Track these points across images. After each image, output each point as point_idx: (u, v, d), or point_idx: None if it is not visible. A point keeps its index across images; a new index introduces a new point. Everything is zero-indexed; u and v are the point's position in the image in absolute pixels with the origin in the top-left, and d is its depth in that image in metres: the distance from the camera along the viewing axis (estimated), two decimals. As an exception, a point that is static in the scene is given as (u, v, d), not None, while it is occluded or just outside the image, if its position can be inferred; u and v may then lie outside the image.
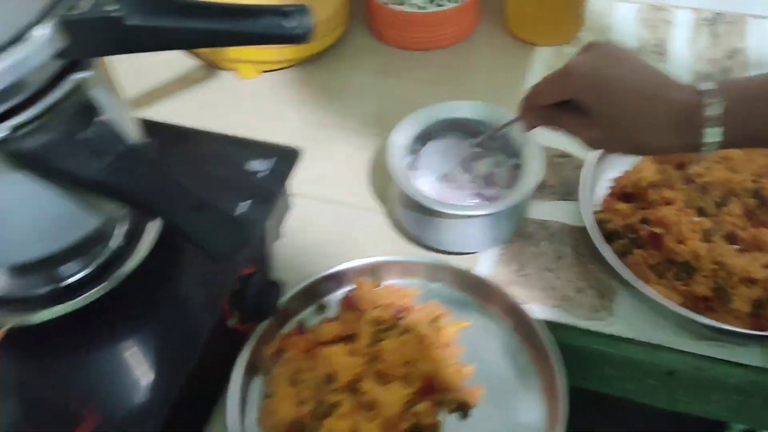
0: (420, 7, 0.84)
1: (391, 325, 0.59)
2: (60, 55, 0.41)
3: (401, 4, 0.84)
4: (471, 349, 0.60)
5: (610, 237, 0.65)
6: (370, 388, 0.55)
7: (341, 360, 0.56)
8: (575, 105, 0.54)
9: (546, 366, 0.58)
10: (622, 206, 0.68)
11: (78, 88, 0.44)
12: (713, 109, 0.46)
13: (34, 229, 0.47)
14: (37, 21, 0.40)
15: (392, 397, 0.55)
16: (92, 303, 0.54)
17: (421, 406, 0.55)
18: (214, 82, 0.86)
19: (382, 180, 0.74)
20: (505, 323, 0.62)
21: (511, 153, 0.68)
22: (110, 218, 0.54)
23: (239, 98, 0.83)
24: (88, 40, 0.41)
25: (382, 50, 0.89)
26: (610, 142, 0.54)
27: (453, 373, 0.58)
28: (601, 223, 0.66)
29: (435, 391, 0.56)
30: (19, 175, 0.44)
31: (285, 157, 0.63)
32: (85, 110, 0.44)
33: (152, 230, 0.58)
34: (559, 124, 0.57)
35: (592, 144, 0.56)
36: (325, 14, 0.84)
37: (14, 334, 0.53)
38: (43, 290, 0.54)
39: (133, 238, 0.57)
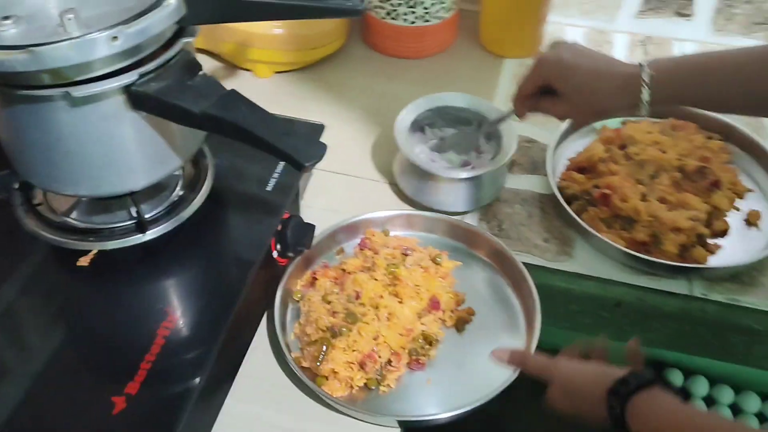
0: (411, 22, 1.01)
1: (401, 260, 0.74)
2: (179, 21, 0.56)
3: (394, 18, 1.01)
4: (463, 282, 0.75)
5: (569, 200, 0.82)
6: (389, 303, 0.69)
7: (365, 282, 0.70)
8: (548, 91, 0.71)
9: (524, 296, 0.73)
10: (578, 176, 0.85)
11: (184, 49, 0.58)
12: (646, 76, 0.63)
13: (141, 159, 0.60)
14: (167, -6, 0.54)
15: (407, 309, 0.69)
16: (163, 236, 0.67)
17: (428, 318, 0.70)
18: (234, 79, 1.00)
19: (383, 157, 0.89)
20: (490, 263, 0.77)
21: (493, 137, 0.85)
22: (182, 165, 0.68)
23: (255, 94, 0.94)
24: (203, 11, 0.55)
25: (376, 58, 1.06)
26: (576, 112, 0.71)
27: (451, 297, 0.72)
28: (562, 189, 0.83)
29: (438, 308, 0.71)
30: (136, 114, 0.57)
31: (313, 128, 0.78)
32: (190, 65, 0.58)
33: (208, 182, 0.71)
34: (539, 108, 0.74)
35: (564, 116, 0.73)
36: (328, 26, 1.00)
37: (100, 258, 0.65)
38: (125, 223, 0.67)
39: (193, 188, 0.71)
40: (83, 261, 0.64)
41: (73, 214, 0.68)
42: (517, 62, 1.05)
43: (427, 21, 1.01)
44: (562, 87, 0.70)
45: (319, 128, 0.79)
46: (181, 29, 0.58)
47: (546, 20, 1.05)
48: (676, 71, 0.64)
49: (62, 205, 0.68)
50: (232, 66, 1.02)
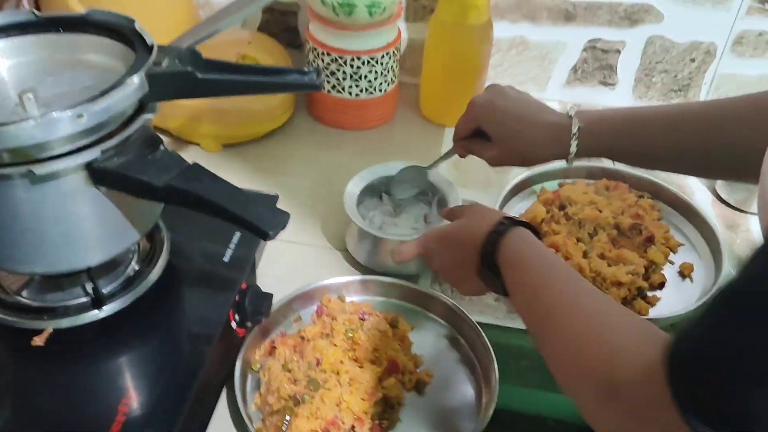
0: (355, 95, 1.05)
1: (358, 324, 0.75)
2: (141, 99, 0.57)
3: (339, 92, 1.05)
4: (420, 345, 0.77)
5: (516, 259, 0.85)
6: (349, 368, 0.70)
7: (325, 348, 0.71)
8: (480, 134, 0.75)
9: (480, 355, 0.75)
10: (523, 237, 0.89)
11: (145, 125, 0.59)
12: (575, 128, 0.68)
13: (100, 234, 0.60)
14: (130, 74, 0.56)
15: (367, 374, 0.70)
16: (120, 312, 0.66)
17: (389, 381, 0.70)
18: (183, 154, 1.00)
19: (334, 225, 0.91)
20: (445, 324, 0.79)
21: (437, 197, 0.89)
22: (134, 244, 0.68)
23: (203, 167, 0.99)
24: (164, 88, 0.57)
25: (322, 129, 1.09)
26: (506, 158, 0.75)
27: (409, 360, 0.74)
28: (508, 250, 0.87)
29: (398, 371, 0.72)
30: (97, 190, 0.58)
31: (268, 198, 0.80)
32: (151, 140, 0.59)
33: (164, 255, 0.71)
34: (471, 151, 0.78)
35: (493, 161, 0.77)
36: (275, 101, 1.03)
37: (56, 336, 0.64)
38: (80, 300, 0.66)
39: (149, 263, 0.71)
40: (38, 340, 0.63)
41: (26, 293, 0.66)
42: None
43: (371, 94, 1.05)
44: (492, 132, 0.74)
45: (274, 198, 0.81)
46: (143, 106, 0.59)
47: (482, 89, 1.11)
48: (606, 124, 0.69)
49: (14, 284, 0.67)
50: (180, 140, 1.03)
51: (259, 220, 0.53)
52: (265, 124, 1.03)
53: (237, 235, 0.78)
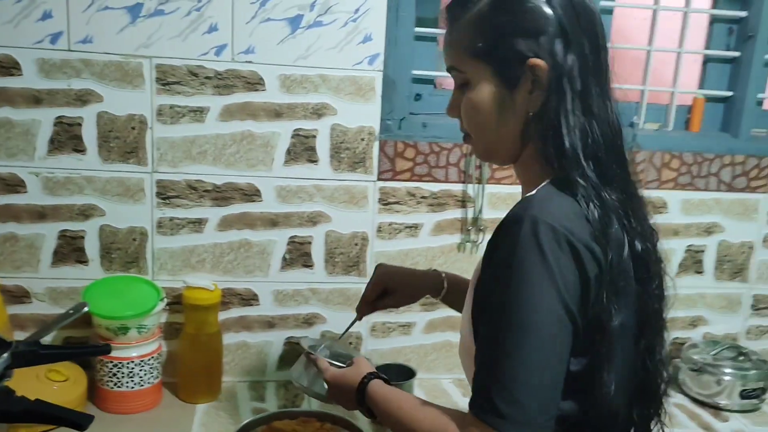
0: (131, 387, 1.53)
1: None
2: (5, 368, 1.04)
3: (119, 387, 1.53)
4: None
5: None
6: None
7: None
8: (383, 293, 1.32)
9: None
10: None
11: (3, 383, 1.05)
12: (443, 276, 1.31)
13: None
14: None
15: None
16: None
17: None
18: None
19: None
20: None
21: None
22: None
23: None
24: (20, 361, 1.04)
25: (106, 417, 1.53)
26: (403, 300, 1.36)
27: None
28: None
29: None
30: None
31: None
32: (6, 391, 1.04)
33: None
34: (379, 306, 1.33)
35: (398, 305, 1.35)
36: (72, 396, 1.46)
37: None
38: None
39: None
40: None
41: None
42: (207, 405, 1.60)
43: (142, 385, 1.55)
44: (395, 284, 1.29)
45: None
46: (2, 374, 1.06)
47: (222, 374, 1.66)
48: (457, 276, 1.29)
49: None
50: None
51: (75, 416, 1.00)
52: None
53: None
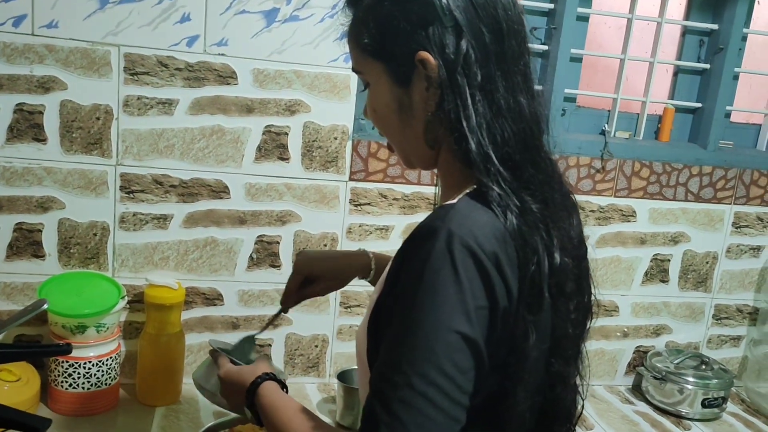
0: (87, 389, 1.47)
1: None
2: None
3: (75, 387, 1.46)
4: None
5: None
6: None
7: None
8: (306, 281, 1.20)
9: None
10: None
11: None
12: (371, 256, 1.22)
13: None
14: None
15: None
16: None
17: None
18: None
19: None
20: None
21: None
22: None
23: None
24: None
25: (60, 419, 1.46)
26: (331, 287, 1.25)
27: None
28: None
29: None
30: None
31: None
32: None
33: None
34: (304, 296, 1.22)
35: (322, 293, 1.25)
36: (24, 396, 1.40)
37: None
38: None
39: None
40: None
41: None
42: (165, 408, 1.55)
43: (99, 387, 1.48)
44: (319, 270, 1.21)
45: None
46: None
47: (183, 376, 1.61)
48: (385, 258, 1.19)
49: None
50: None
51: (32, 419, 0.94)
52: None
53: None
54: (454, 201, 0.80)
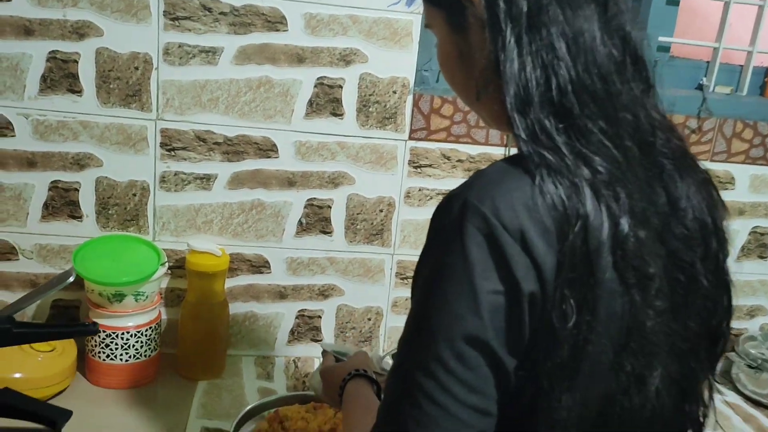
0: (125, 360, 1.38)
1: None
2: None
3: (113, 359, 1.37)
4: None
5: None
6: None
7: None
8: None
9: None
10: None
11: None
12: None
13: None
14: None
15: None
16: None
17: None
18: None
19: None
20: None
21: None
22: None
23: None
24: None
25: (97, 390, 1.37)
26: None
27: None
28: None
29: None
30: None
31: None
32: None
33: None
34: None
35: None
36: (58, 368, 1.31)
37: None
38: None
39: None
40: None
41: None
42: (207, 383, 1.45)
43: (138, 358, 1.39)
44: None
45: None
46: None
47: (227, 350, 1.50)
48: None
49: None
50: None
51: (52, 412, 0.84)
52: (50, 388, 1.30)
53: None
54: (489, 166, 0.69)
